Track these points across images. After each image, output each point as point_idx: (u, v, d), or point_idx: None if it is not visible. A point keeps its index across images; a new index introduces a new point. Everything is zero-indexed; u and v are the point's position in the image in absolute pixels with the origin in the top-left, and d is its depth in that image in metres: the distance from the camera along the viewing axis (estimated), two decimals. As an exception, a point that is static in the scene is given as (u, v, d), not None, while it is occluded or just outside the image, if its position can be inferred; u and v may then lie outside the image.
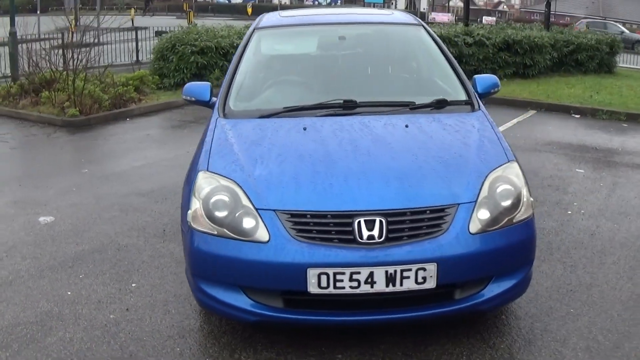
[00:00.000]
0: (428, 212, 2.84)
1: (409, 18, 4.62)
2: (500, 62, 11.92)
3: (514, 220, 2.94)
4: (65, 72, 9.48)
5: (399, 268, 2.72)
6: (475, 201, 2.89)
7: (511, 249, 2.94)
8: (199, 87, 3.99)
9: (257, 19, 4.66)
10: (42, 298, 3.68)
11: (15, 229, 4.76)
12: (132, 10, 29.24)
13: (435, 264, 2.74)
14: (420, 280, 2.75)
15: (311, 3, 58.72)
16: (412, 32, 4.42)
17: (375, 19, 4.76)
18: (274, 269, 2.77)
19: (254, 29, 4.44)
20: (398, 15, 4.76)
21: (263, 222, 2.83)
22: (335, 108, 3.63)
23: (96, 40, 17.52)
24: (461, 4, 64.10)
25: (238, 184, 2.97)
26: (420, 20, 4.64)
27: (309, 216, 2.82)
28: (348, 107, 3.63)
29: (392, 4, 64.55)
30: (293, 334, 3.17)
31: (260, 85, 4.03)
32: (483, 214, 2.88)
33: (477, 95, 3.91)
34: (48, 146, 7.68)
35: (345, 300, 2.82)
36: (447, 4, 58.83)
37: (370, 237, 2.75)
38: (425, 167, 3.07)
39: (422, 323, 3.15)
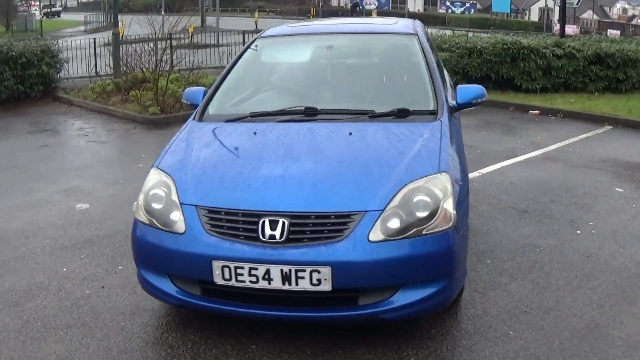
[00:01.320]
0: (333, 217, 2.95)
1: (406, 28, 4.68)
2: (591, 76, 11.25)
3: (425, 232, 2.96)
4: (155, 73, 10.36)
5: (293, 268, 2.88)
6: (382, 210, 2.96)
7: (420, 260, 2.95)
8: (194, 92, 4.36)
9: (266, 29, 4.98)
10: (41, 272, 4.22)
11: (52, 213, 5.42)
12: (257, 13, 30.55)
13: (330, 267, 2.86)
14: (315, 282, 2.88)
15: (444, 10, 58.40)
16: (403, 42, 4.50)
17: (371, 29, 4.88)
18: (186, 258, 3.05)
19: (256, 38, 4.76)
20: (398, 25, 4.84)
21: (184, 215, 3.11)
22: (296, 114, 3.83)
23: (215, 42, 18.56)
24: (595, 17, 60.16)
25: (174, 181, 3.29)
26: (419, 30, 4.68)
27: (223, 213, 3.06)
28: (310, 114, 3.81)
29: (526, 14, 62.27)
30: (225, 322, 3.42)
31: (245, 90, 4.32)
32: (393, 223, 2.94)
33: (448, 106, 3.91)
34: (122, 141, 8.51)
35: (253, 295, 3.02)
36: (576, 16, 55.61)
37: (272, 236, 2.93)
38: (345, 174, 3.18)
39: (325, 324, 3.25)
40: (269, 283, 2.92)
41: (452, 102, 4.08)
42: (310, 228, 2.94)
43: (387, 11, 53.49)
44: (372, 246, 2.88)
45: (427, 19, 47.09)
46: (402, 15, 48.26)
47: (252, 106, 4.09)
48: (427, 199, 3.02)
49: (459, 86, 4.16)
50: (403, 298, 2.96)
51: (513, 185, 6.13)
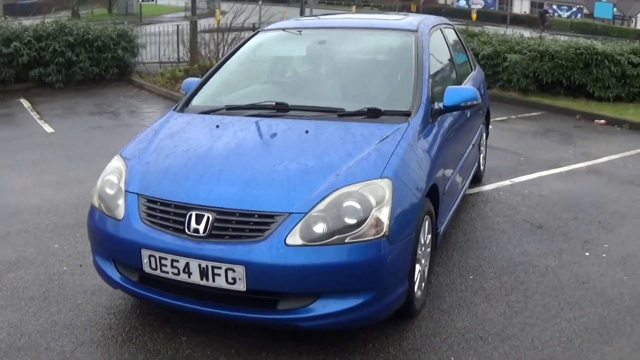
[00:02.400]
0: (256, 216, 2.90)
1: (409, 25, 4.48)
2: (671, 86, 10.30)
3: (349, 240, 2.84)
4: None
5: (210, 264, 2.86)
6: (306, 213, 2.87)
7: (342, 269, 2.82)
8: (191, 83, 4.43)
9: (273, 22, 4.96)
10: (34, 246, 4.46)
11: (73, 192, 5.71)
12: (354, 7, 30.37)
13: (244, 267, 2.81)
14: (230, 280, 2.85)
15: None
16: (400, 39, 4.33)
17: (372, 25, 4.72)
18: (121, 244, 3.11)
19: (258, 31, 4.75)
20: (402, 21, 4.64)
21: (125, 202, 3.17)
22: (268, 109, 3.79)
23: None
24: None
25: (127, 168, 3.36)
26: (424, 27, 4.45)
27: (159, 203, 3.09)
28: (281, 110, 3.76)
29: (632, 21, 59.22)
30: (173, 312, 3.45)
31: (233, 84, 4.33)
32: (318, 227, 2.84)
33: (428, 108, 3.72)
34: (171, 127, 8.78)
35: (181, 287, 3.03)
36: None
37: (196, 230, 2.92)
38: (280, 173, 3.10)
39: (241, 324, 3.19)
40: (189, 277, 2.92)
41: (439, 105, 3.87)
42: (233, 225, 2.90)
43: (492, 12, 51.94)
44: (288, 250, 2.79)
45: (530, 21, 45.42)
46: (503, 17, 46.75)
47: (232, 99, 4.09)
48: (357, 205, 2.89)
49: (448, 87, 3.94)
50: (322, 307, 2.85)
51: (540, 198, 5.74)
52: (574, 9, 57.00)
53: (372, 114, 3.62)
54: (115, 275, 3.26)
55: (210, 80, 4.30)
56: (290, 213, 2.87)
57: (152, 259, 2.99)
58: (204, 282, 2.90)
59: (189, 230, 2.94)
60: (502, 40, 11.63)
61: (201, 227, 2.92)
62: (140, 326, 3.38)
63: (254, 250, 2.82)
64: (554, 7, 57.66)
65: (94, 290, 3.77)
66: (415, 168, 3.29)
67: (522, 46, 11.14)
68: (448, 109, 3.88)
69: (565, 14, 56.29)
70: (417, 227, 3.21)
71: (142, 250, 3.01)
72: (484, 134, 6.21)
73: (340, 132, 3.46)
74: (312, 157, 3.23)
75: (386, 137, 3.36)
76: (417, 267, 3.40)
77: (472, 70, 5.73)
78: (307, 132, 3.47)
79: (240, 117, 3.74)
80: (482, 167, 6.17)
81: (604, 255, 4.49)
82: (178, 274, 2.94)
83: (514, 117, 9.85)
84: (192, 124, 3.78)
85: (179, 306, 3.05)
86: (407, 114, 3.62)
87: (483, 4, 48.53)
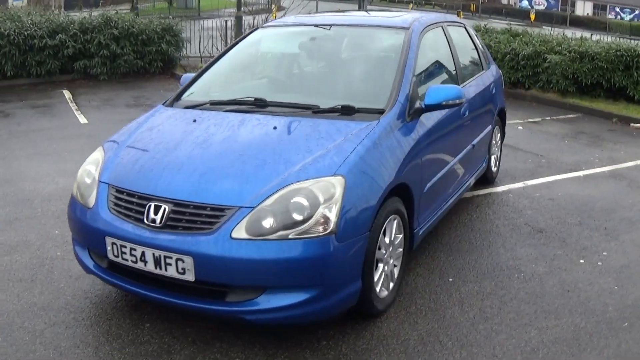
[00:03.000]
0: (208, 209, 2.97)
1: (403, 22, 4.44)
2: None
3: (294, 235, 2.86)
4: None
5: (162, 253, 2.96)
6: (254, 207, 2.92)
7: (286, 264, 2.85)
8: (186, 78, 4.54)
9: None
10: (36, 232, 4.69)
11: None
12: (411, 5, 29.82)
13: (192, 258, 2.89)
14: (180, 270, 2.93)
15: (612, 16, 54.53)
16: (390, 36, 4.31)
17: (366, 22, 4.72)
18: (89, 231, 3.26)
19: (257, 27, 4.82)
20: (396, 19, 4.59)
21: (97, 191, 3.31)
22: (247, 105, 3.85)
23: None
24: None
25: (104, 159, 3.50)
26: (416, 25, 4.40)
27: (125, 194, 3.21)
28: (260, 105, 3.81)
29: None
30: (141, 300, 3.58)
31: (225, 79, 4.41)
32: (267, 222, 2.89)
33: (405, 107, 3.70)
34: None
35: (141, 274, 3.14)
36: None
37: (153, 220, 3.03)
38: (237, 168, 3.16)
39: (195, 314, 3.26)
40: (145, 265, 3.03)
41: (420, 104, 3.84)
42: (187, 217, 2.99)
43: (553, 12, 50.47)
44: (233, 243, 2.85)
45: (590, 23, 43.96)
46: (563, 18, 45.19)
47: (219, 95, 4.17)
48: (305, 201, 2.92)
49: (430, 87, 3.90)
50: (267, 301, 2.90)
51: (550, 202, 5.58)
52: (637, 12, 54.79)
53: (346, 111, 3.62)
54: (90, 262, 3.40)
55: (204, 75, 4.40)
56: (240, 207, 2.93)
57: (115, 247, 3.11)
58: (157, 271, 3.00)
59: (147, 220, 3.05)
60: (543, 41, 11.29)
61: (158, 218, 3.02)
62: (110, 311, 3.51)
63: (201, 242, 2.89)
64: (617, 9, 55.60)
65: (79, 276, 3.93)
66: (376, 166, 3.28)
67: (562, 47, 10.79)
68: (429, 108, 3.84)
69: (628, 17, 54.32)
70: (377, 226, 3.20)
71: (106, 237, 3.14)
72: (498, 135, 6.08)
73: (307, 129, 3.48)
74: (272, 153, 3.27)
75: (351, 135, 3.37)
76: (381, 266, 3.39)
77: (483, 70, 5.62)
78: (275, 128, 3.51)
79: (218, 112, 3.81)
80: (494, 169, 6.04)
81: (599, 263, 4.33)
82: (136, 262, 3.05)
83: (548, 118, 9.57)
84: (173, 118, 3.88)
85: (140, 293, 3.17)
86: (381, 112, 3.61)
87: (545, 5, 47.11)
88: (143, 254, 3.01)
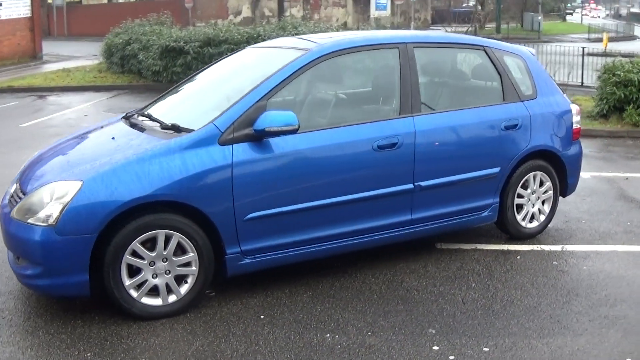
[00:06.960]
0: (23, 194, 3.78)
1: (307, 44, 4.33)
2: None
3: (29, 221, 3.53)
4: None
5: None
6: (24, 197, 3.68)
7: (21, 241, 3.57)
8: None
9: None
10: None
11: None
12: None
13: None
14: None
15: None
16: (284, 58, 4.16)
17: (278, 44, 4.85)
18: None
19: (245, 47, 5.33)
20: (314, 39, 4.46)
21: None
22: (145, 118, 4.36)
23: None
24: None
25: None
26: (320, 47, 4.16)
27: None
28: (153, 119, 4.26)
29: None
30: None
31: (178, 95, 4.79)
32: (25, 207, 3.60)
33: (222, 130, 3.71)
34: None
35: None
36: None
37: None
38: (50, 166, 3.94)
39: None
40: None
41: (250, 130, 3.75)
42: (16, 199, 3.81)
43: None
44: (10, 220, 3.65)
45: None
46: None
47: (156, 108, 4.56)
48: (46, 197, 3.53)
49: (265, 112, 3.76)
50: (22, 269, 3.63)
51: (559, 273, 4.27)
52: None
53: (176, 129, 3.85)
54: None
55: (175, 90, 4.82)
56: (24, 195, 3.71)
57: None
58: None
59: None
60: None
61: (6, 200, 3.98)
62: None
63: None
64: None
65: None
66: (127, 180, 3.51)
67: None
68: (259, 134, 3.73)
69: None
70: (115, 232, 3.49)
71: None
72: (538, 183, 4.86)
73: (126, 140, 3.93)
74: (79, 157, 3.95)
75: (139, 149, 3.69)
76: (144, 273, 3.59)
77: (504, 102, 4.72)
78: (113, 138, 4.04)
79: (119, 123, 4.40)
80: (526, 223, 4.87)
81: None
82: None
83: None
84: (99, 127, 4.53)
85: None
86: (189, 132, 3.76)
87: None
88: None
